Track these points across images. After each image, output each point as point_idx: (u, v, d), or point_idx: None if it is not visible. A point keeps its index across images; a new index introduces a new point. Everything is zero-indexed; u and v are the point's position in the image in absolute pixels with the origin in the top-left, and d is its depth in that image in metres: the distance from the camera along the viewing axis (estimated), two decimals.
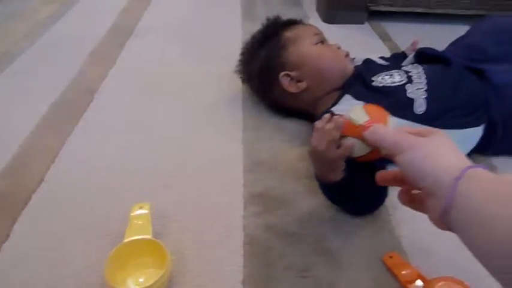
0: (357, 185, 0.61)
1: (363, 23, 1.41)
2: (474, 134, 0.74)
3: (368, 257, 0.60)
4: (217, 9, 1.52)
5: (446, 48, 0.90)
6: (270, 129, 0.85)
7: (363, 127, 0.50)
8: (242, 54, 0.90)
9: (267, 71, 0.83)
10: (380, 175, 0.49)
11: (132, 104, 0.93)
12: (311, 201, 0.68)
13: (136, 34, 1.28)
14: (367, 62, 0.84)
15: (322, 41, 0.83)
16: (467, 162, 0.39)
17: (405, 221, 0.65)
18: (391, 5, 1.38)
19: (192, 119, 0.89)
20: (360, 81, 0.77)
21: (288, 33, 0.83)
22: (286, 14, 1.42)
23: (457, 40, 0.90)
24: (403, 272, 0.56)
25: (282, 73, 0.80)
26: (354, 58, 0.88)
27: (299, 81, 0.80)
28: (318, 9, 1.49)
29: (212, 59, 1.14)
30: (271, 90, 0.84)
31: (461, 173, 0.37)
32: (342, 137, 0.53)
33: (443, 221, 0.38)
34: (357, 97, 0.74)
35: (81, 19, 1.38)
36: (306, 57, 0.80)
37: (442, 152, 0.40)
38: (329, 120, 0.54)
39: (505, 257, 0.32)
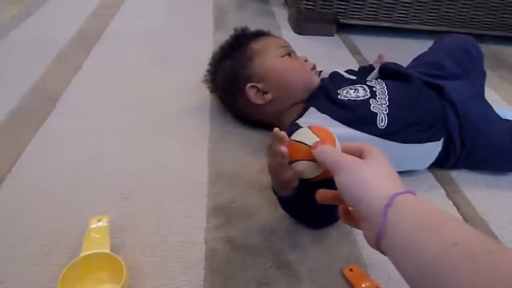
0: (310, 201, 0.58)
1: (332, 35, 1.44)
2: (434, 149, 0.76)
3: (328, 270, 0.60)
4: (189, 17, 1.51)
5: (410, 63, 0.93)
6: (236, 140, 0.85)
7: (314, 148, 0.50)
8: (210, 64, 0.90)
9: (232, 82, 0.83)
10: (320, 193, 0.51)
11: (95, 112, 0.91)
12: (273, 213, 0.68)
13: (104, 39, 1.25)
14: (334, 75, 0.85)
15: (289, 53, 0.83)
16: (398, 187, 0.42)
17: None
18: (359, 19, 1.41)
19: (157, 128, 0.87)
20: (325, 95, 0.77)
21: (255, 45, 0.83)
22: (259, 24, 1.43)
23: (419, 56, 0.92)
24: (362, 285, 0.57)
25: (249, 84, 0.80)
26: (321, 71, 0.89)
27: (265, 93, 0.80)
28: (289, 20, 1.51)
29: (181, 67, 1.13)
30: (237, 101, 0.84)
31: (390, 200, 0.38)
32: (294, 160, 0.52)
33: (377, 246, 0.40)
34: (321, 110, 0.74)
35: (47, 22, 1.34)
36: (271, 70, 0.80)
37: (375, 177, 0.42)
38: (278, 143, 0.52)
39: (425, 281, 0.33)
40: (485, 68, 0.93)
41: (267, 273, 0.59)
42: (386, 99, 0.75)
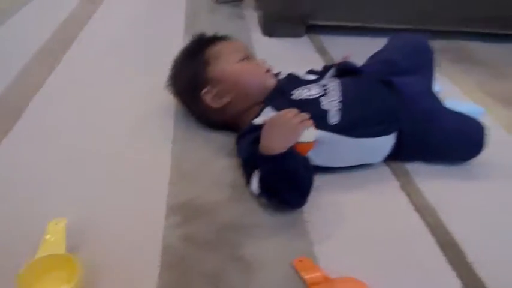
0: (295, 162, 0.67)
1: (301, 36, 1.47)
2: (386, 142, 0.80)
3: (280, 262, 0.63)
4: (161, 21, 1.53)
5: (366, 61, 0.96)
6: (199, 141, 0.88)
7: None
8: (171, 69, 0.92)
9: (191, 86, 0.85)
10: None
11: (62, 114, 0.94)
12: (231, 210, 0.71)
13: (76, 44, 1.27)
14: (290, 76, 0.89)
15: (246, 57, 0.86)
16: None
17: (319, 227, 0.69)
18: (327, 19, 1.44)
19: (122, 130, 0.90)
20: (281, 95, 0.81)
21: (212, 50, 0.86)
22: (229, 27, 1.47)
23: (374, 54, 0.96)
24: (310, 275, 0.60)
25: (205, 89, 0.83)
26: (279, 72, 0.91)
27: (222, 96, 0.83)
28: (259, 23, 1.54)
29: (150, 70, 1.15)
30: (197, 105, 0.86)
31: None
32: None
33: None
34: (277, 109, 0.77)
35: (20, 28, 1.36)
36: (226, 74, 0.83)
37: None
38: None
39: None
40: (449, 62, 0.96)
41: (221, 267, 0.61)
42: (338, 95, 0.78)
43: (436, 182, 0.81)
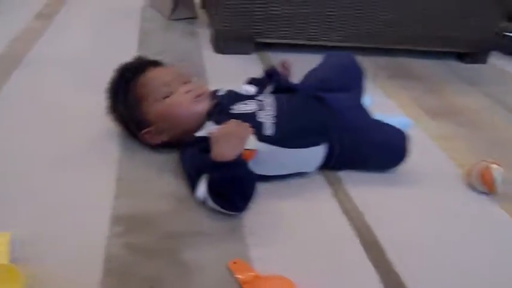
0: (244, 169, 0.75)
1: (250, 53, 1.54)
2: (318, 152, 0.87)
3: (217, 265, 0.68)
4: (113, 41, 1.56)
5: (302, 78, 1.04)
6: (144, 159, 0.90)
7: None
8: (107, 98, 0.93)
9: (128, 126, 0.91)
10: None
11: (7, 130, 0.95)
12: (173, 220, 0.76)
13: (25, 65, 1.28)
14: (229, 93, 0.95)
15: (178, 81, 0.88)
16: None
17: (256, 232, 0.75)
18: (274, 37, 1.53)
19: (69, 147, 0.92)
20: (221, 110, 0.87)
21: (139, 88, 0.88)
22: (181, 45, 1.52)
23: (309, 72, 1.04)
24: (243, 275, 0.65)
25: (142, 132, 0.88)
26: (217, 90, 0.97)
27: (160, 133, 0.88)
28: (211, 41, 1.60)
29: (100, 88, 1.17)
30: (139, 138, 0.90)
31: None
32: None
33: None
34: (218, 123, 0.83)
35: None
36: (158, 115, 0.86)
37: None
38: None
39: None
40: (386, 79, 1.03)
41: (161, 272, 0.65)
42: (273, 110, 0.85)
43: (365, 188, 0.89)
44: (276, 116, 0.84)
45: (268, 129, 0.82)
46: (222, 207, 0.75)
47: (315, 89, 0.93)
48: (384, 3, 1.53)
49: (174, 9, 1.80)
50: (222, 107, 0.87)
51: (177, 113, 0.86)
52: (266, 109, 0.86)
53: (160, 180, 0.85)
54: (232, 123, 0.77)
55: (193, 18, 1.86)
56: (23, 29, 1.54)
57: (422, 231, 0.81)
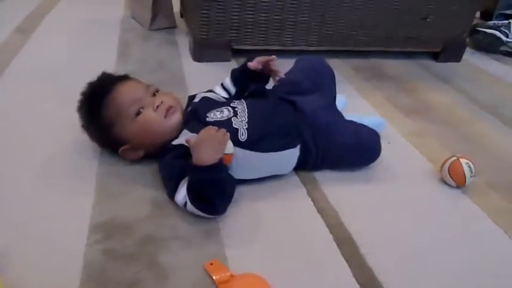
0: (224, 172, 0.78)
1: (229, 61, 1.57)
2: (292, 154, 0.90)
3: (194, 267, 0.70)
4: (93, 52, 1.58)
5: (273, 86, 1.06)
6: (123, 167, 0.92)
7: None
8: (79, 117, 0.93)
9: (104, 145, 0.92)
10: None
11: None
12: (150, 225, 0.77)
13: (3, 79, 1.29)
14: (204, 99, 0.97)
15: (148, 93, 0.89)
16: None
17: (232, 233, 0.77)
18: (252, 44, 1.56)
19: (48, 157, 0.94)
20: (196, 118, 0.89)
21: (108, 113, 0.87)
22: (161, 54, 1.54)
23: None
24: (219, 276, 0.67)
25: (119, 150, 0.89)
26: (195, 94, 1.00)
27: (137, 149, 0.89)
28: (190, 49, 1.62)
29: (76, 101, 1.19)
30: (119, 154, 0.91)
31: None
32: None
33: None
34: (192, 131, 0.85)
35: None
36: (131, 134, 0.87)
37: None
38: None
39: None
40: (361, 80, 1.06)
41: (138, 275, 0.67)
42: (245, 116, 0.88)
43: (339, 187, 0.92)
44: (249, 122, 0.87)
45: (242, 135, 0.85)
46: (201, 210, 0.77)
47: (287, 92, 0.96)
48: (355, 6, 1.57)
49: (153, 19, 1.82)
50: (197, 115, 0.90)
51: (151, 130, 0.87)
52: (239, 115, 0.88)
53: (137, 187, 0.87)
54: (211, 129, 0.80)
55: (172, 27, 1.88)
56: (0, 45, 1.54)
57: (395, 227, 0.84)
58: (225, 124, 0.85)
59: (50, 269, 0.68)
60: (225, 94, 1.03)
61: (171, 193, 0.81)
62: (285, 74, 1.02)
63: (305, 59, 1.10)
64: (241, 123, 0.86)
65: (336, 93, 1.06)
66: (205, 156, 0.76)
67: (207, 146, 0.77)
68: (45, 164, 0.92)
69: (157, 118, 0.87)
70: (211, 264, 0.69)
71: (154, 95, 0.90)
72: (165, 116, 0.87)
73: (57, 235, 0.74)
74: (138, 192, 0.86)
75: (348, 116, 1.02)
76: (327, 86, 1.03)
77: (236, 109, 0.90)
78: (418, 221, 0.86)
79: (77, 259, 0.69)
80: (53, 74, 1.35)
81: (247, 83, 1.03)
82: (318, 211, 0.85)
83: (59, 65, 1.43)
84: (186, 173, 0.79)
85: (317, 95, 0.98)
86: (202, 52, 1.53)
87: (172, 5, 1.87)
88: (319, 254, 0.75)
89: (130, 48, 1.63)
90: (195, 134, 0.83)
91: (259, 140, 0.85)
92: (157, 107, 0.87)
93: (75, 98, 0.93)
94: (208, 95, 1.00)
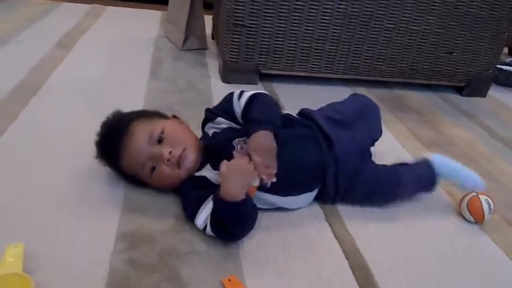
0: (250, 207, 0.80)
1: (256, 84, 1.62)
2: (310, 197, 0.94)
3: (211, 281, 0.73)
4: (127, 68, 1.65)
5: (323, 106, 1.08)
6: None
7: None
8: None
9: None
10: None
11: (25, 155, 1.02)
12: (172, 238, 0.81)
13: (43, 91, 1.36)
14: (227, 130, 0.94)
15: (156, 140, 0.86)
16: None
17: (250, 253, 0.80)
18: (279, 69, 1.61)
19: (81, 169, 0.99)
20: (219, 154, 0.85)
21: (125, 169, 0.90)
22: (191, 74, 1.59)
23: (331, 103, 1.09)
24: None
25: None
26: (212, 108, 1.01)
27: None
28: (219, 71, 1.69)
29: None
30: None
31: None
32: None
33: None
34: (214, 168, 0.87)
35: None
36: (152, 185, 0.90)
37: None
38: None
39: None
40: (385, 111, 1.09)
41: (159, 286, 0.71)
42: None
43: (357, 214, 0.94)
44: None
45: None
46: (221, 238, 0.81)
47: (326, 118, 0.97)
48: (381, 39, 1.61)
49: (186, 40, 1.90)
50: (221, 149, 0.88)
51: (170, 182, 0.89)
52: None
53: (163, 200, 0.91)
54: (243, 159, 0.80)
55: (203, 49, 1.96)
56: (42, 58, 1.64)
57: (411, 258, 0.85)
58: None
59: (76, 274, 0.72)
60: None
61: (191, 216, 0.83)
62: (334, 102, 1.06)
63: (358, 95, 1.14)
64: None
65: (377, 134, 1.08)
66: (233, 189, 0.76)
67: (237, 178, 0.77)
68: (78, 173, 0.98)
69: (172, 172, 0.86)
70: (229, 280, 0.72)
71: (159, 140, 0.86)
72: (179, 167, 0.86)
73: (85, 242, 0.78)
74: (162, 206, 0.90)
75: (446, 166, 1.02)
76: (370, 124, 1.05)
77: None
78: (434, 254, 0.87)
79: (102, 266, 0.73)
80: (88, 89, 1.42)
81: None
82: (335, 237, 0.87)
83: (95, 80, 1.51)
84: (206, 199, 0.82)
85: (358, 130, 0.99)
86: (230, 74, 1.59)
87: (205, 28, 1.95)
88: (333, 279, 0.77)
89: (162, 67, 1.70)
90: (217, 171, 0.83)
91: (282, 187, 0.85)
92: (168, 160, 0.85)
93: (109, 111, 0.99)
94: (230, 124, 0.96)
